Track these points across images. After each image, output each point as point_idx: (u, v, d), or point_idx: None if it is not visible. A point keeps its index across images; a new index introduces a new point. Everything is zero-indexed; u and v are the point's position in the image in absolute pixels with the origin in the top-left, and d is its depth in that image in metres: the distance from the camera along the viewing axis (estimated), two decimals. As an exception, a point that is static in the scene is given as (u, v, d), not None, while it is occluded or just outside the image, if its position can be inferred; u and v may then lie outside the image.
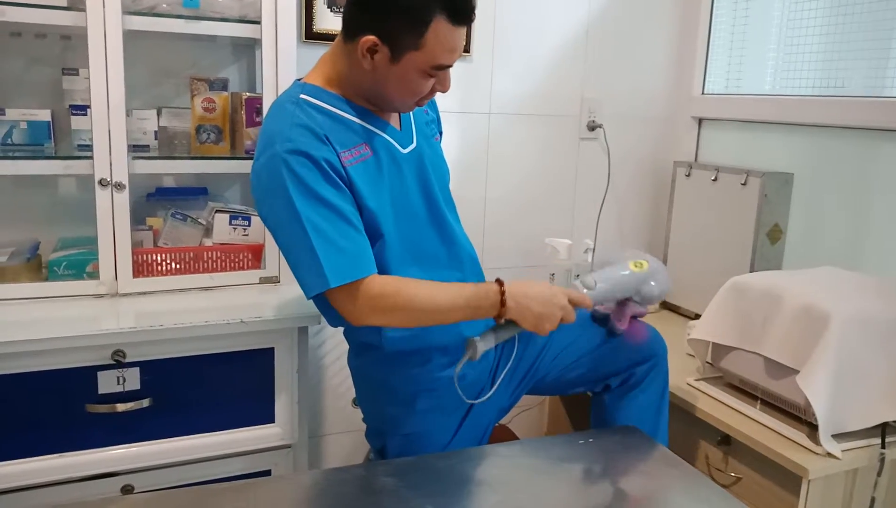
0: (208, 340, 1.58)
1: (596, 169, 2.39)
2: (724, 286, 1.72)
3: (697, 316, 1.84)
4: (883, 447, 1.48)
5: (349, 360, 1.52)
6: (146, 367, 1.54)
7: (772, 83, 2.23)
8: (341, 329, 1.47)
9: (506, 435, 2.12)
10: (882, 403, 1.50)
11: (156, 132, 1.77)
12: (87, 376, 1.50)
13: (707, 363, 1.79)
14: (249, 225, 1.83)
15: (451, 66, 1.31)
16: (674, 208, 2.38)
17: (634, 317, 1.52)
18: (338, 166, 1.27)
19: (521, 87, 2.26)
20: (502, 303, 1.28)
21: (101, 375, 1.51)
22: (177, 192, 1.92)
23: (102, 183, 1.62)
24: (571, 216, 2.41)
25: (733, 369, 1.71)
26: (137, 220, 1.77)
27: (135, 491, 1.57)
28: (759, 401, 1.65)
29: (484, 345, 1.31)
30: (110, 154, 1.62)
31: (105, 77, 1.59)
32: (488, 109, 2.23)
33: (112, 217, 1.64)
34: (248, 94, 1.82)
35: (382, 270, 1.33)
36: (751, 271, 2.03)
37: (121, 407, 1.52)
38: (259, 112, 1.78)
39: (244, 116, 1.80)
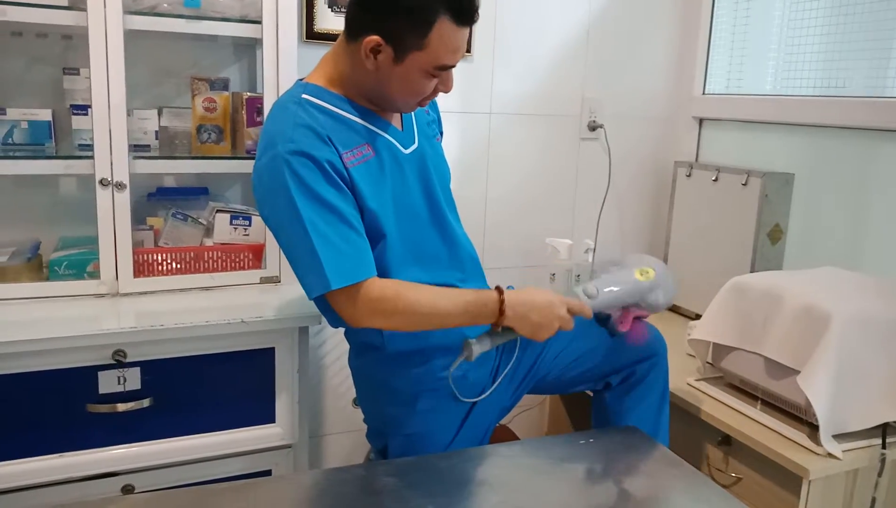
0: (209, 340, 1.58)
1: (596, 169, 2.39)
2: (725, 287, 1.72)
3: (698, 316, 1.84)
4: (884, 447, 1.48)
5: (350, 360, 1.52)
6: (147, 367, 1.54)
7: (772, 83, 2.23)
8: (342, 330, 1.47)
9: (506, 435, 2.12)
10: (883, 403, 1.50)
11: (156, 132, 1.77)
12: (87, 376, 1.50)
13: (707, 363, 1.79)
14: (250, 225, 1.83)
15: (454, 66, 1.31)
16: (674, 208, 2.38)
17: (636, 318, 1.51)
18: (340, 167, 1.27)
19: (522, 87, 2.26)
20: (501, 312, 1.30)
21: (101, 375, 1.51)
22: (177, 192, 1.92)
23: (103, 183, 1.63)
24: (572, 216, 2.41)
25: (734, 369, 1.71)
26: (138, 220, 1.77)
27: (135, 491, 1.57)
28: (759, 401, 1.65)
29: (480, 348, 1.33)
30: (111, 154, 1.62)
31: (106, 77, 1.59)
32: (489, 109, 2.23)
33: (113, 217, 1.64)
34: (248, 93, 1.82)
35: (383, 270, 1.33)
36: (751, 272, 2.03)
37: (121, 407, 1.52)
38: (260, 112, 1.78)
39: (245, 116, 1.80)
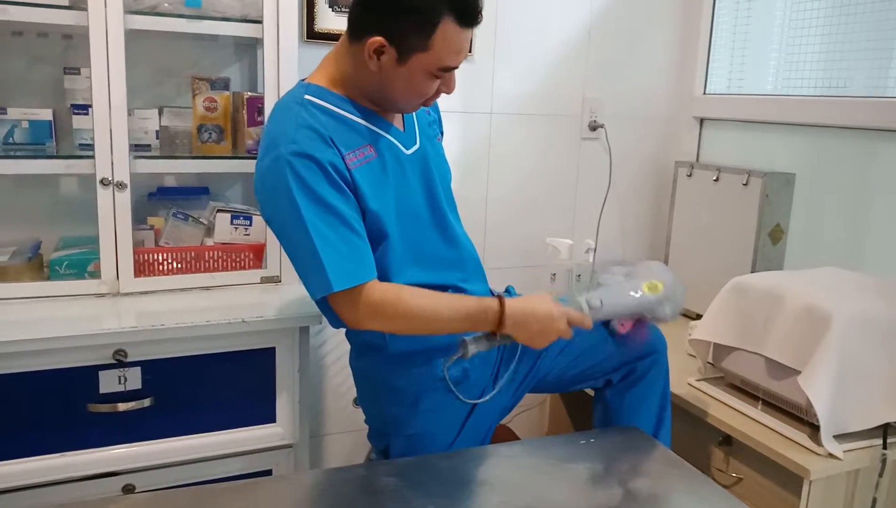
0: (209, 339, 1.58)
1: (597, 169, 2.38)
2: (726, 287, 1.72)
3: (699, 316, 1.84)
4: (884, 447, 1.48)
5: (351, 361, 1.52)
6: (147, 366, 1.54)
7: (773, 83, 2.23)
8: (343, 330, 1.47)
9: (507, 435, 2.12)
10: (884, 404, 1.50)
11: (157, 132, 1.77)
12: (88, 375, 1.50)
13: (708, 363, 1.79)
14: (251, 225, 1.83)
15: (457, 67, 1.31)
16: (675, 208, 2.38)
17: (638, 320, 1.50)
18: (342, 169, 1.27)
19: (523, 86, 2.26)
20: (500, 322, 1.30)
21: (102, 374, 1.51)
22: (178, 191, 1.92)
23: (104, 182, 1.62)
24: (573, 216, 2.40)
25: (735, 369, 1.71)
26: (139, 219, 1.77)
27: (136, 491, 1.57)
28: (760, 401, 1.65)
29: (476, 348, 1.33)
30: (112, 154, 1.62)
31: (107, 76, 1.59)
32: (490, 109, 2.23)
33: (113, 217, 1.64)
34: (249, 93, 1.82)
35: (384, 271, 1.33)
36: (752, 272, 2.03)
37: (122, 407, 1.52)
38: (260, 112, 1.78)
39: (245, 116, 1.80)
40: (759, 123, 2.22)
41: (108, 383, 1.52)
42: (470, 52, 2.15)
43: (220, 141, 1.80)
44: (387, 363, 1.41)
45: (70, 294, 1.66)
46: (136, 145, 1.71)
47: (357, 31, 1.28)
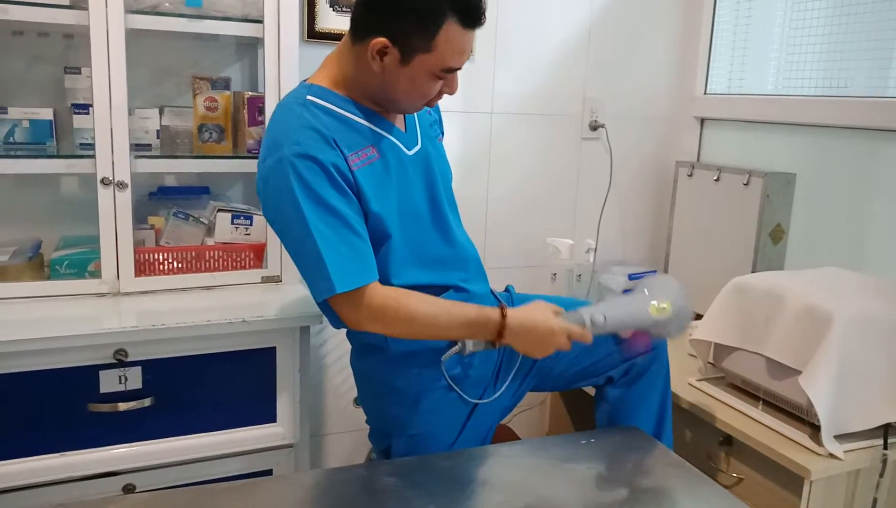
0: (210, 339, 1.58)
1: (598, 169, 2.38)
2: (727, 287, 1.72)
3: (699, 316, 1.83)
4: (885, 448, 1.48)
5: (352, 361, 1.51)
6: (148, 366, 1.54)
7: (774, 83, 2.23)
8: (344, 330, 1.47)
9: (507, 435, 2.12)
10: (884, 404, 1.50)
11: (158, 131, 1.77)
12: (88, 375, 1.50)
13: (709, 363, 1.79)
14: (251, 224, 1.83)
15: (460, 68, 1.31)
16: (676, 208, 2.38)
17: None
18: (345, 170, 1.27)
19: (523, 86, 2.26)
20: (501, 334, 1.31)
21: (102, 374, 1.51)
22: (179, 191, 1.92)
23: (104, 182, 1.62)
24: (573, 216, 2.40)
25: (735, 369, 1.70)
26: (139, 219, 1.77)
27: (136, 491, 1.57)
28: (761, 402, 1.65)
29: (473, 348, 1.34)
30: (112, 153, 1.62)
31: (107, 76, 1.59)
32: (490, 109, 2.23)
33: (114, 216, 1.64)
34: (250, 93, 1.82)
35: (385, 271, 1.33)
36: (753, 272, 2.03)
37: (122, 406, 1.52)
38: (261, 111, 1.77)
39: (246, 116, 1.80)
40: (759, 123, 2.22)
41: (109, 382, 1.52)
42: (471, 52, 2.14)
43: (220, 141, 1.80)
44: (388, 364, 1.41)
45: (70, 294, 1.66)
46: (136, 145, 1.71)
47: (360, 31, 1.27)
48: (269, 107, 1.73)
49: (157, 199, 1.88)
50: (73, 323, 1.51)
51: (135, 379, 1.53)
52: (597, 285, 2.27)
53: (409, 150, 1.40)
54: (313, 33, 1.97)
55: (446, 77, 1.31)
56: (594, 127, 2.36)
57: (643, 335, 1.48)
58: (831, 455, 1.44)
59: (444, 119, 1.62)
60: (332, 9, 1.98)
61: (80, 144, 1.67)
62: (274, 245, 1.80)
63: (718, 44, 2.38)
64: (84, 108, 1.66)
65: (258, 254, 1.83)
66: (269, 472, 1.69)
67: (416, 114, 1.45)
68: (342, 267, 1.24)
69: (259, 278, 1.82)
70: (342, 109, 1.32)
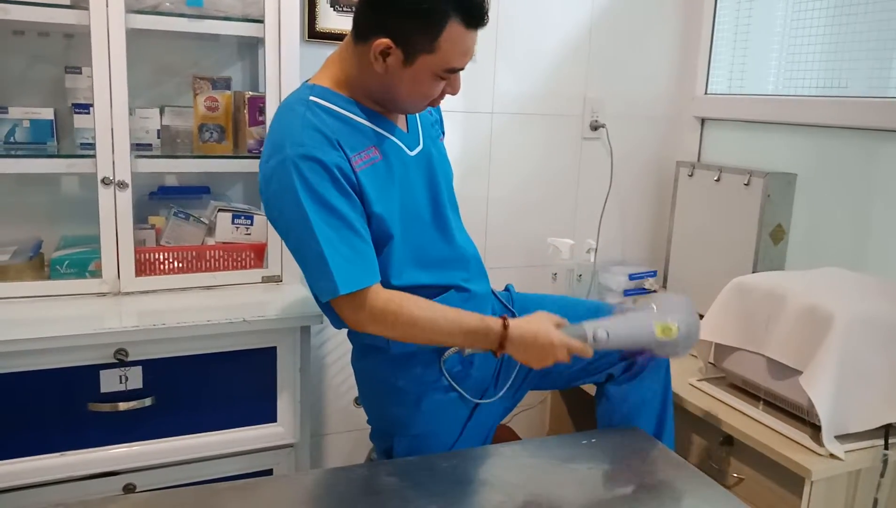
0: (211, 339, 1.58)
1: (598, 169, 2.38)
2: (727, 287, 1.72)
3: (700, 317, 1.83)
4: (886, 448, 1.48)
5: (353, 361, 1.51)
6: (148, 366, 1.54)
7: (775, 83, 2.23)
8: (345, 330, 1.47)
9: (507, 435, 2.12)
10: (885, 404, 1.49)
11: (158, 131, 1.77)
12: (89, 374, 1.50)
13: (710, 363, 1.79)
14: (252, 224, 1.83)
15: (462, 68, 1.31)
16: (676, 208, 2.37)
17: None
18: (348, 172, 1.27)
19: (524, 86, 2.26)
20: (501, 345, 1.31)
21: (103, 374, 1.51)
22: (179, 191, 1.92)
23: (105, 182, 1.62)
24: (574, 216, 2.40)
25: (736, 369, 1.70)
26: (140, 219, 1.77)
27: (136, 490, 1.57)
28: (761, 402, 1.65)
29: (472, 349, 1.36)
30: (113, 153, 1.62)
31: (108, 76, 1.59)
32: (491, 109, 2.23)
33: (115, 216, 1.64)
34: (250, 93, 1.82)
35: (386, 271, 1.33)
36: (753, 272, 2.03)
37: (123, 406, 1.52)
38: (262, 111, 1.77)
39: (247, 115, 1.80)
40: (760, 123, 2.22)
41: (109, 382, 1.52)
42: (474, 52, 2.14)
43: (221, 140, 1.80)
44: (389, 364, 1.41)
45: (71, 293, 1.66)
46: (137, 145, 1.71)
47: (363, 32, 1.27)
48: (270, 107, 1.73)
49: (157, 199, 1.88)
50: (73, 323, 1.51)
51: (135, 379, 1.53)
52: (597, 284, 2.27)
53: (411, 150, 1.40)
54: (314, 33, 1.97)
55: (449, 77, 1.31)
56: (595, 127, 2.35)
57: (647, 354, 1.47)
58: (832, 456, 1.44)
59: (444, 119, 1.62)
60: (332, 9, 1.98)
61: (81, 143, 1.67)
62: (274, 245, 1.80)
63: (719, 44, 2.38)
64: (85, 107, 1.66)
65: (259, 254, 1.83)
66: (269, 472, 1.69)
67: (417, 114, 1.44)
68: (345, 269, 1.24)
69: (259, 278, 1.82)
70: (345, 109, 1.32)
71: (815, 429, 1.50)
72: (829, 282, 1.65)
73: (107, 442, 1.54)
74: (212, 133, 1.79)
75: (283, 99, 1.59)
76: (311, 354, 1.73)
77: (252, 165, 1.75)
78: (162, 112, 1.78)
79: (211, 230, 1.84)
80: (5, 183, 1.76)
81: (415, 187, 1.38)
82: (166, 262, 1.75)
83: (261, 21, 1.70)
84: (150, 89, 1.85)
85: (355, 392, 1.92)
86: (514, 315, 1.56)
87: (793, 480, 1.46)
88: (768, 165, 2.15)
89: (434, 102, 1.37)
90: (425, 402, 1.41)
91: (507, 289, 1.63)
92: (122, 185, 1.63)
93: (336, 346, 2.14)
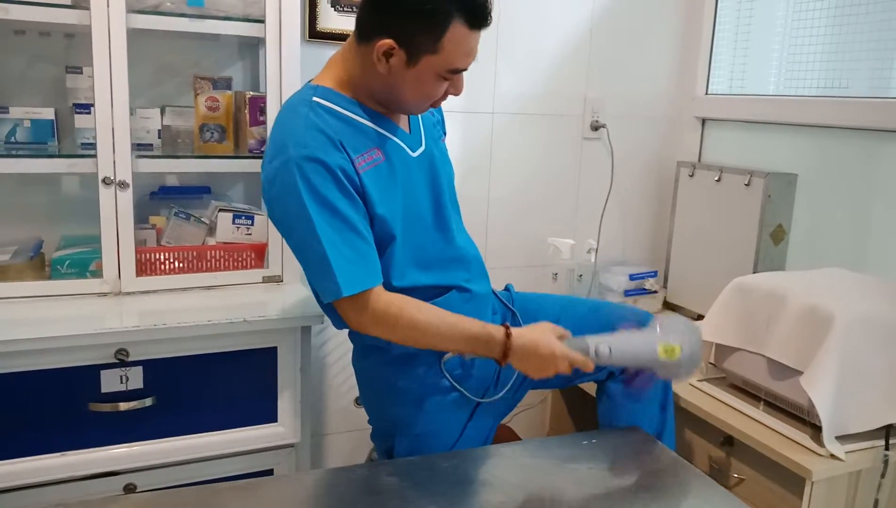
0: (211, 339, 1.58)
1: (599, 169, 2.38)
2: (728, 287, 1.72)
3: (700, 317, 1.84)
4: (887, 448, 1.48)
5: (354, 361, 1.51)
6: (149, 366, 1.54)
7: (776, 84, 2.23)
8: (345, 330, 1.47)
9: (507, 435, 2.12)
10: (886, 405, 1.49)
11: (159, 131, 1.77)
12: (89, 374, 1.50)
13: (710, 363, 1.79)
14: (253, 224, 1.83)
15: (466, 69, 1.31)
16: (677, 209, 2.37)
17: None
18: (351, 173, 1.27)
19: (525, 86, 2.26)
20: (504, 355, 1.31)
21: (103, 374, 1.51)
22: (180, 191, 1.92)
23: (106, 182, 1.63)
24: (574, 216, 2.40)
25: (737, 370, 1.70)
26: (141, 218, 1.77)
27: (137, 490, 1.57)
28: (762, 402, 1.65)
29: (472, 354, 1.36)
30: (114, 153, 1.62)
31: (109, 75, 1.59)
32: (491, 109, 2.23)
33: (115, 216, 1.64)
34: (251, 93, 1.82)
35: (388, 272, 1.33)
36: (754, 272, 2.03)
37: (123, 406, 1.52)
38: (263, 111, 1.77)
39: (248, 115, 1.80)
40: (761, 124, 2.22)
41: (110, 382, 1.52)
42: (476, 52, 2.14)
43: (222, 140, 1.80)
44: (390, 364, 1.41)
45: (72, 293, 1.66)
46: (138, 145, 1.71)
47: (366, 32, 1.27)
48: (271, 107, 1.73)
49: (158, 198, 1.88)
50: (74, 323, 1.51)
51: (136, 379, 1.54)
52: (598, 284, 2.27)
53: (414, 151, 1.40)
54: (315, 33, 1.97)
55: (452, 78, 1.31)
56: (595, 127, 2.35)
57: (648, 374, 1.47)
58: (833, 456, 1.44)
59: (445, 119, 1.62)
60: (333, 9, 1.98)
61: (82, 143, 1.67)
62: (275, 245, 1.80)
63: (720, 44, 2.38)
64: (85, 107, 1.66)
65: (259, 254, 1.83)
66: (270, 472, 1.69)
67: (419, 115, 1.44)
68: (348, 270, 1.24)
69: (260, 278, 1.82)
70: (348, 110, 1.32)
71: (815, 430, 1.50)
72: (829, 282, 1.65)
73: (107, 442, 1.54)
74: (212, 133, 1.79)
75: (283, 99, 1.59)
76: (311, 354, 1.73)
77: (253, 166, 1.75)
78: (163, 112, 1.78)
79: (212, 230, 1.84)
80: (6, 183, 1.76)
81: (417, 188, 1.38)
82: (167, 262, 1.75)
83: (261, 21, 1.70)
84: (151, 89, 1.85)
85: (356, 392, 1.92)
86: (514, 315, 1.57)
87: (793, 480, 1.46)
88: (769, 165, 2.15)
89: (437, 103, 1.37)
90: (426, 402, 1.41)
91: (507, 289, 1.63)
92: (122, 185, 1.63)
93: (337, 346, 2.15)
